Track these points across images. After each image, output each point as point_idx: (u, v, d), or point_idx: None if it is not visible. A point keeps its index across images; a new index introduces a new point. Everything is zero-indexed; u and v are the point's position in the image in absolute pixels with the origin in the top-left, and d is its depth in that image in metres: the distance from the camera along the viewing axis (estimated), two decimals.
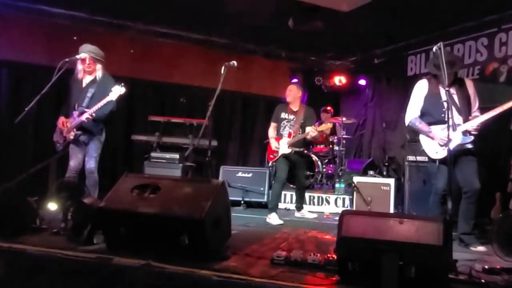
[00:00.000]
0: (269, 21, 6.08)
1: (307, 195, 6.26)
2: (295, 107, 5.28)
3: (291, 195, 6.30)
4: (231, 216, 3.39)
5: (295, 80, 8.39)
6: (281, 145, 5.19)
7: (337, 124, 7.60)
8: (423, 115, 4.03)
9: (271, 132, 5.42)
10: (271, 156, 5.39)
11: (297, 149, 5.21)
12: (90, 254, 2.87)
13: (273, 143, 5.30)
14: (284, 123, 5.27)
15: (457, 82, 3.98)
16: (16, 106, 5.68)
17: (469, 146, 3.83)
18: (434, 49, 3.30)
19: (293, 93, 5.27)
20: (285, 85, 8.21)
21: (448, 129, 3.25)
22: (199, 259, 2.81)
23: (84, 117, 4.25)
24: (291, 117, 5.25)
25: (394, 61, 7.41)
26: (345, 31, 6.46)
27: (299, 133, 5.15)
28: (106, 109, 4.33)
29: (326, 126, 5.19)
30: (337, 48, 7.68)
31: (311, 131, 4.92)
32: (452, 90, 3.92)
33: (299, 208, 5.65)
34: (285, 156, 5.16)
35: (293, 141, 5.12)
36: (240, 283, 2.51)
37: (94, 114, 4.25)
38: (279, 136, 5.29)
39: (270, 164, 5.82)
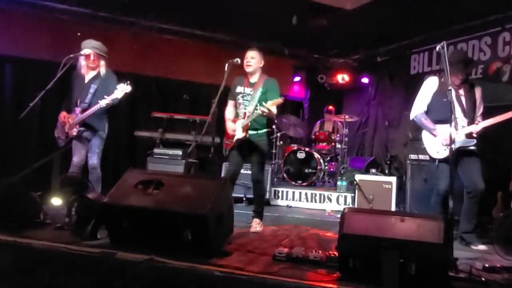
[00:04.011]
0: (272, 18, 6.07)
1: (309, 192, 6.30)
2: (254, 78, 4.17)
3: (293, 192, 6.32)
4: (233, 213, 3.41)
5: (297, 78, 8.40)
6: (237, 128, 4.13)
7: (339, 122, 7.60)
8: (430, 112, 4.01)
9: (229, 112, 4.31)
10: (227, 142, 4.29)
11: (253, 132, 4.11)
12: (93, 249, 2.90)
13: (229, 126, 4.22)
14: (239, 100, 4.19)
15: (468, 84, 3.97)
16: (20, 101, 5.70)
17: (472, 148, 3.83)
18: (437, 48, 3.29)
19: (256, 61, 4.12)
20: (288, 83, 8.35)
21: (451, 127, 3.25)
22: (201, 255, 2.84)
23: (104, 102, 4.19)
24: (248, 90, 4.15)
25: (398, 59, 7.41)
26: (349, 29, 6.46)
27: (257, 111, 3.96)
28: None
29: (277, 101, 3.84)
30: (341, 46, 7.67)
31: (260, 108, 3.82)
32: (461, 91, 3.92)
33: (255, 214, 4.28)
34: (240, 142, 4.12)
35: (248, 122, 4.05)
36: (242, 278, 2.53)
37: (112, 101, 4.22)
38: (236, 117, 4.23)
39: (226, 153, 4.36)
